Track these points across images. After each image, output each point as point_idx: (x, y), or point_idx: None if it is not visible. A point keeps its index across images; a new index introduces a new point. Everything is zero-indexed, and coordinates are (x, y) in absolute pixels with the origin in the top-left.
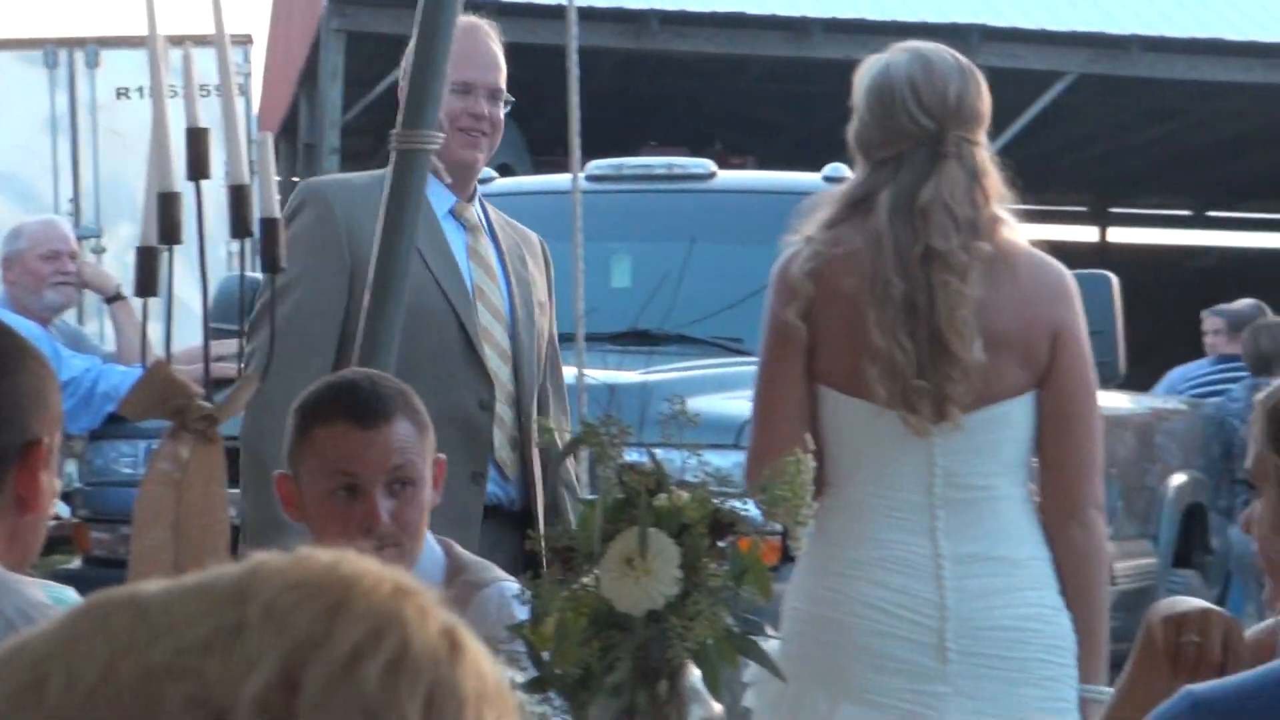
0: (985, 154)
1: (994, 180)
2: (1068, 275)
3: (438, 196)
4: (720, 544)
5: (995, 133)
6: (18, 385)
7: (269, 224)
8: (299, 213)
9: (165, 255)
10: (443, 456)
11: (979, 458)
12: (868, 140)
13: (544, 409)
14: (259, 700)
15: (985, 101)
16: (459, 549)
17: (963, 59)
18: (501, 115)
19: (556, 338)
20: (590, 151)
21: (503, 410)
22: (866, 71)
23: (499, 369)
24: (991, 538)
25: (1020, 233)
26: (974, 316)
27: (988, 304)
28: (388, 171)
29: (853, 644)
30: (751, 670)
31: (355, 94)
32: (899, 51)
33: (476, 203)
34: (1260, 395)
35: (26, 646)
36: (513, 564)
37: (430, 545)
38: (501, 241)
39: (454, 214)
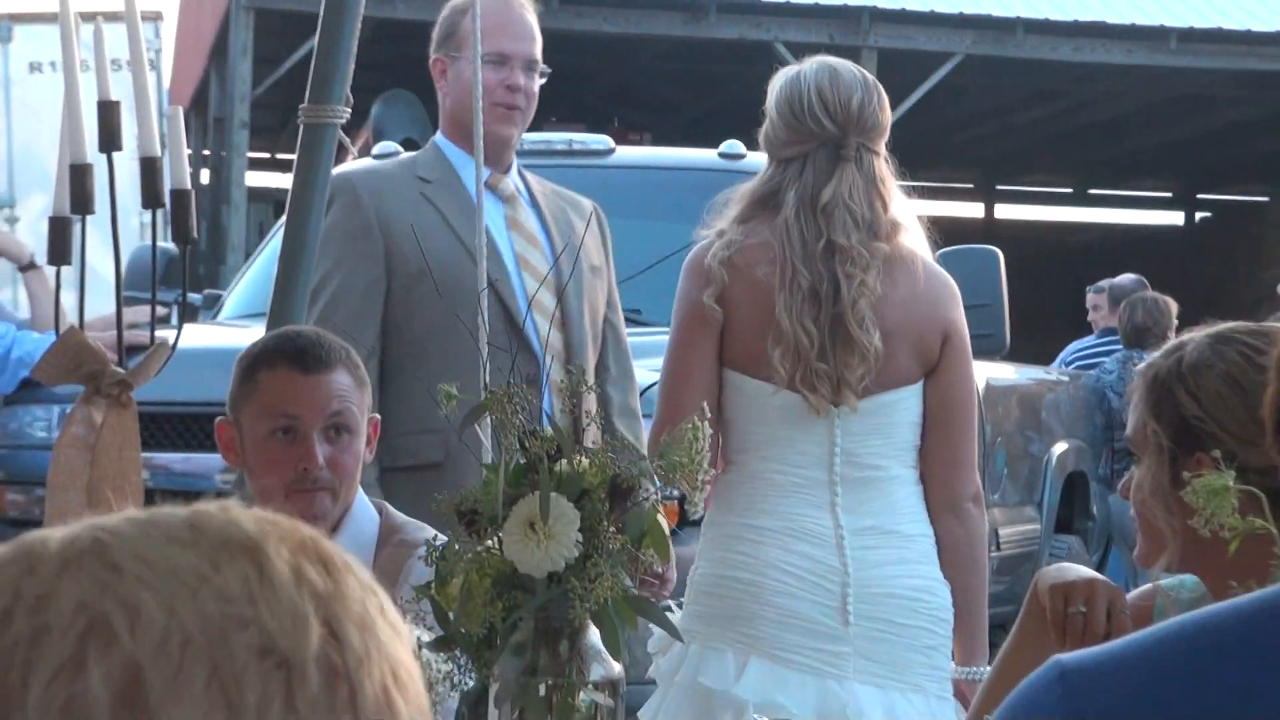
0: (884, 164)
1: (891, 188)
2: (954, 284)
3: (470, 171)
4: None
5: None
6: None
7: (179, 195)
8: (330, 206)
9: (78, 225)
10: (378, 416)
11: (874, 439)
12: (775, 140)
13: (604, 369)
14: (319, 656)
15: (886, 114)
16: (392, 510)
17: (869, 76)
18: (536, 87)
19: (618, 300)
20: None
21: (557, 375)
22: (778, 79)
23: (554, 336)
24: (886, 514)
25: (920, 241)
26: (873, 309)
27: (887, 299)
28: (418, 155)
29: (765, 604)
30: (655, 638)
31: (264, 70)
32: (810, 62)
33: (515, 173)
34: (1140, 366)
35: (56, 593)
36: None
37: (364, 504)
38: (544, 209)
39: (489, 186)
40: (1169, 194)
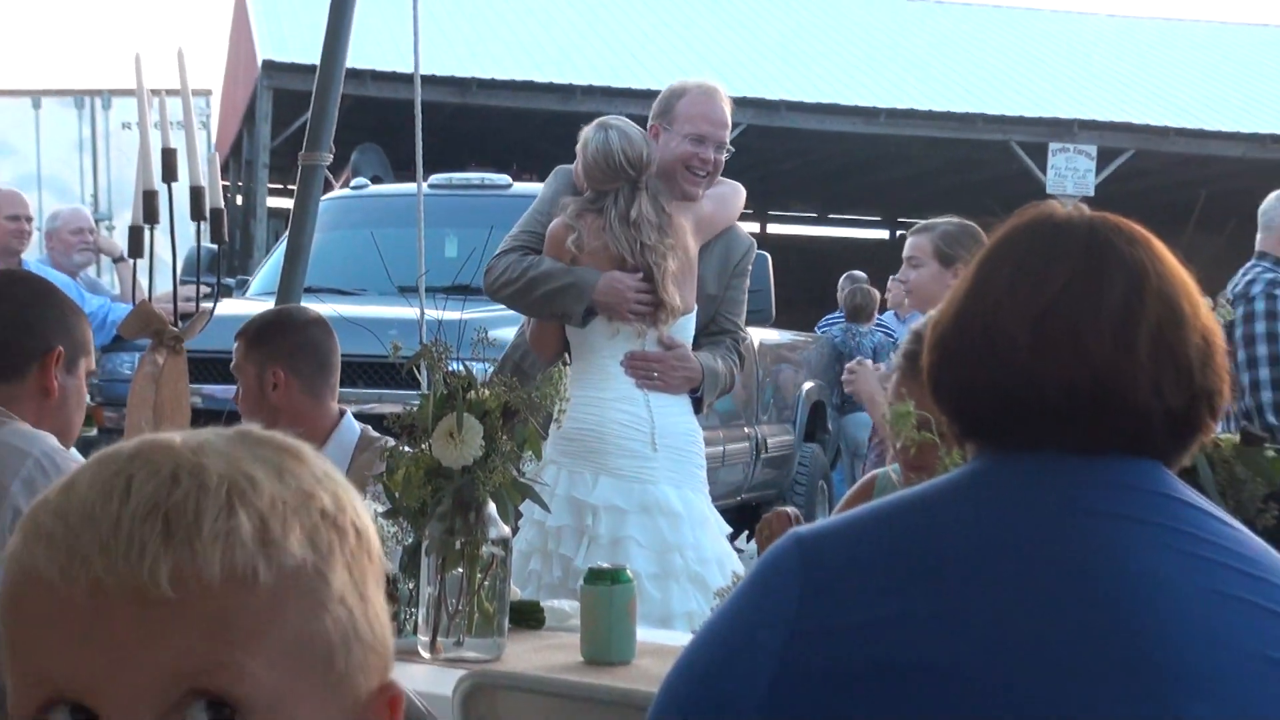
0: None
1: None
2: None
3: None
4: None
5: None
6: (44, 313)
7: (216, 212)
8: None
9: (148, 231)
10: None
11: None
12: (594, 177)
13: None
14: (350, 521)
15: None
16: (370, 429)
17: (645, 133)
18: (723, 160)
19: (731, 315)
20: (430, 168)
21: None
22: (591, 139)
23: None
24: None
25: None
26: (673, 279)
27: (678, 270)
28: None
29: (608, 442)
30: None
31: (279, 129)
32: (610, 128)
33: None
34: (914, 326)
35: (203, 466)
36: None
37: (350, 422)
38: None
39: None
40: (879, 218)
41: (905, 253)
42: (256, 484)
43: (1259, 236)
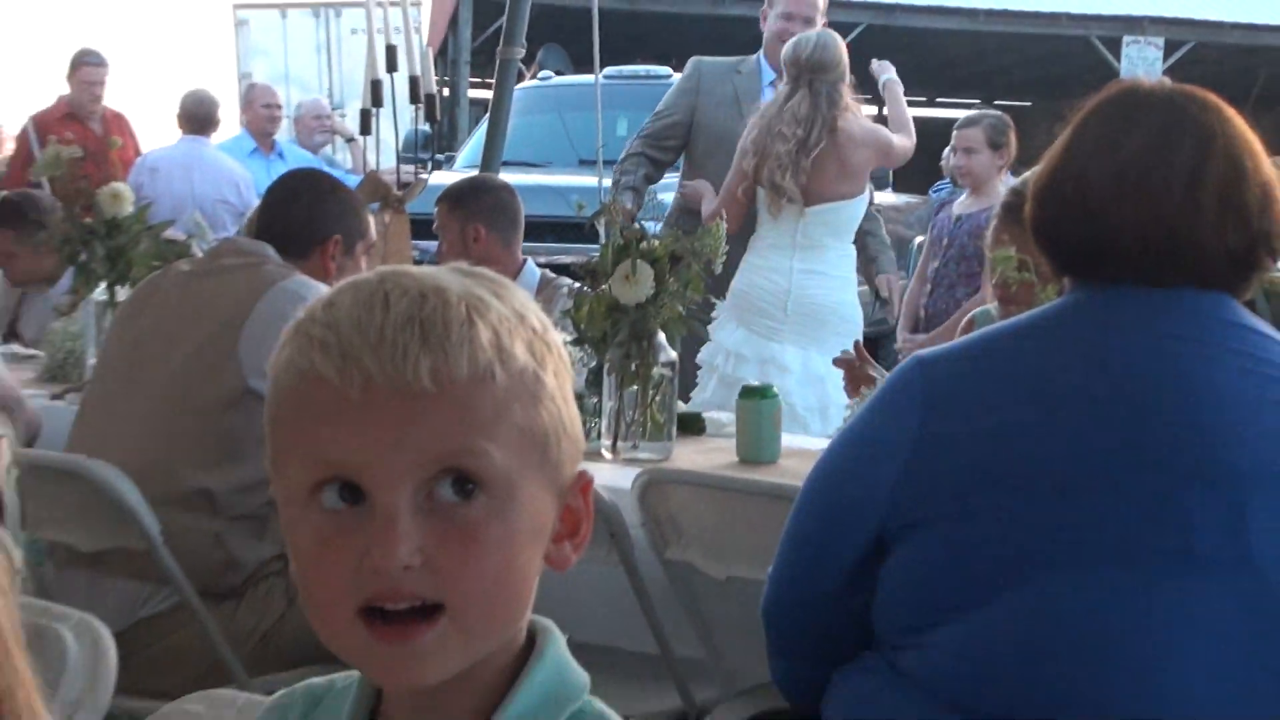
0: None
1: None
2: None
3: (765, 74)
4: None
5: None
6: (324, 208)
7: (430, 97)
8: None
9: (375, 114)
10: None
11: (820, 229)
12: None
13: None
14: (553, 341)
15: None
16: (547, 272)
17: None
18: (812, 29)
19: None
20: (604, 63)
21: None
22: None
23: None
24: (820, 264)
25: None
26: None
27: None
28: (746, 58)
29: (750, 301)
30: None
31: (478, 33)
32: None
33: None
34: (1013, 185)
35: (444, 286)
36: None
37: (531, 267)
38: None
39: (773, 85)
40: (979, 101)
41: (958, 143)
42: (486, 302)
43: None
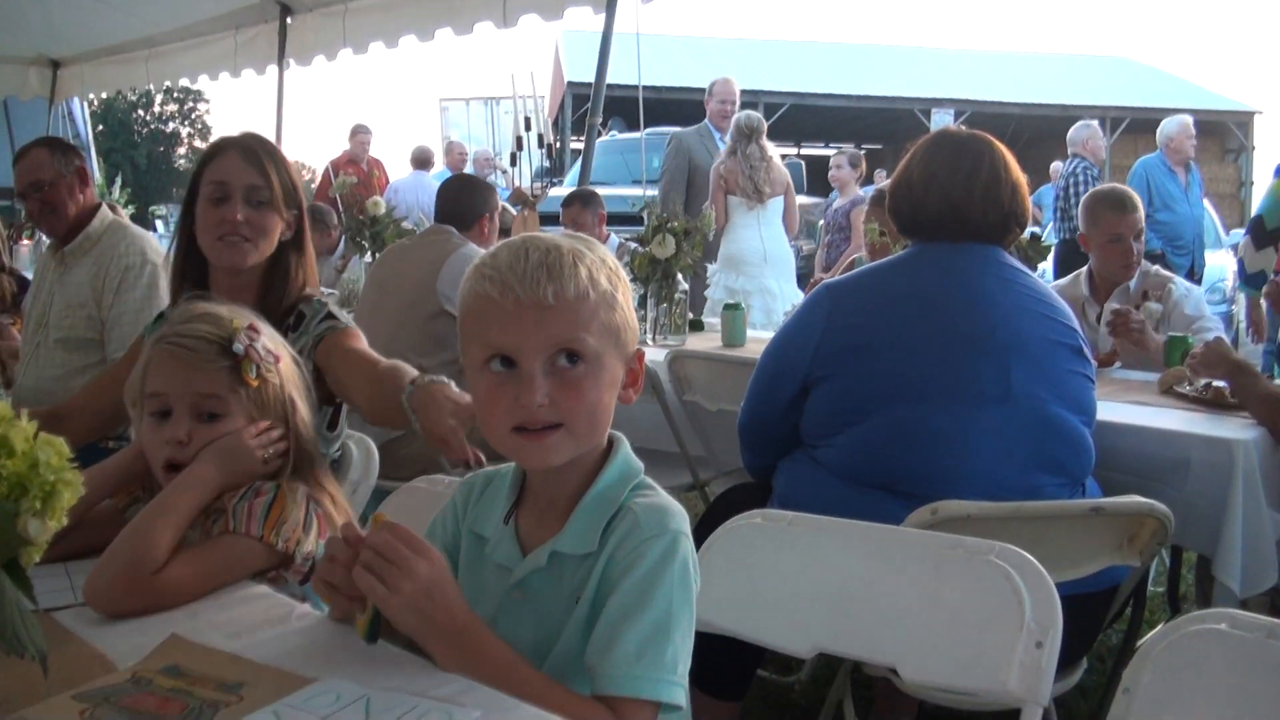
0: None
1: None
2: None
3: (715, 134)
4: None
5: None
6: (479, 197)
7: (548, 146)
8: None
9: (518, 155)
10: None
11: (771, 214)
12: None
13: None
14: (621, 282)
15: None
16: (616, 238)
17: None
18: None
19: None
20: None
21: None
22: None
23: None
24: (774, 233)
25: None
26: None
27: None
28: (698, 127)
29: (742, 257)
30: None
31: (576, 108)
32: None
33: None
34: (878, 187)
35: (547, 243)
36: None
37: (612, 237)
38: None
39: (723, 140)
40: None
41: (833, 165)
42: (583, 253)
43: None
